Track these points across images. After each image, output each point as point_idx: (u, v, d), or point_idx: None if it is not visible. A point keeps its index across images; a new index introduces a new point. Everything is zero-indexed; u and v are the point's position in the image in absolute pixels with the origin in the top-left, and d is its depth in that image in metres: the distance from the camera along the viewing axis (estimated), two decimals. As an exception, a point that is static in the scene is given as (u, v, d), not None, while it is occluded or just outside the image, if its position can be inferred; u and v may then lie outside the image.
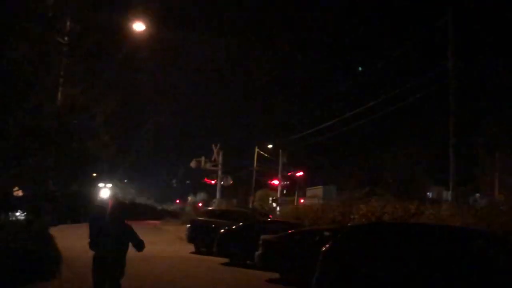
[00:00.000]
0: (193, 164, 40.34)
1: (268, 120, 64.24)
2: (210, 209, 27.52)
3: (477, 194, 36.78)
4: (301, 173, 47.78)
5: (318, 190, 31.78)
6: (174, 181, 71.17)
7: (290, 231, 16.55)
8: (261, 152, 55.22)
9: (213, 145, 41.05)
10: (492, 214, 14.90)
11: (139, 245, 8.15)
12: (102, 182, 56.68)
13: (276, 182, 49.76)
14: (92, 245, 8.09)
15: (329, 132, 40.07)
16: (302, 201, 43.12)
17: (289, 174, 50.43)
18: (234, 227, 20.14)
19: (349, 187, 26.88)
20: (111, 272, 7.93)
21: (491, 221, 14.62)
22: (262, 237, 16.25)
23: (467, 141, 41.88)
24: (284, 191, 51.35)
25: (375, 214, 18.95)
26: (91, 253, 8.11)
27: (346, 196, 22.95)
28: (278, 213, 36.28)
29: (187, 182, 78.81)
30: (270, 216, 26.47)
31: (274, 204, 50.04)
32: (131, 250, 8.23)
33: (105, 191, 57.66)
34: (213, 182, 44.41)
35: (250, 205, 49.13)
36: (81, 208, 36.20)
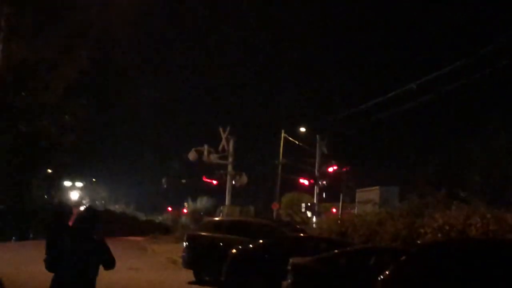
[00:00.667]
0: (191, 155, 40.27)
1: (299, 95, 64.20)
2: (216, 220, 27.59)
3: None
4: (347, 169, 47.56)
5: (373, 193, 31.75)
6: (164, 180, 71.27)
7: (332, 252, 16.58)
8: (290, 138, 55.24)
9: (221, 129, 40.90)
10: None
11: (108, 263, 8.53)
12: (69, 180, 57.44)
13: (310, 181, 49.69)
14: (49, 266, 8.32)
15: (387, 109, 40.13)
16: (334, 210, 43.21)
17: (329, 170, 50.27)
18: (251, 246, 20.18)
19: (417, 189, 26.79)
20: None
21: None
22: (292, 260, 16.30)
23: None
24: (323, 195, 51.28)
25: (455, 227, 18.93)
26: (42, 278, 8.37)
27: (414, 202, 22.89)
28: (314, 225, 36.35)
29: (183, 181, 79.01)
30: (304, 231, 26.51)
31: (309, 213, 49.99)
32: (105, 276, 8.47)
33: (74, 193, 58.39)
34: (214, 182, 44.35)
35: (274, 215, 49.27)
36: (30, 219, 36.69)
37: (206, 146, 40.16)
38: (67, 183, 57.83)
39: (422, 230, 20.18)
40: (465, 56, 27.23)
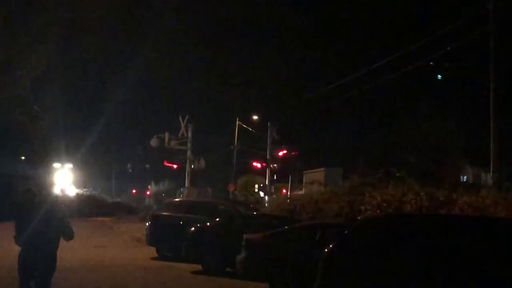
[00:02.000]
0: (153, 142, 40.01)
1: (252, 86, 63.93)
2: (176, 201, 27.40)
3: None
4: (296, 152, 47.84)
5: (319, 174, 31.80)
6: (129, 165, 70.77)
7: (282, 228, 16.56)
8: (244, 126, 55.22)
9: (180, 117, 40.75)
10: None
11: (67, 235, 9.16)
12: (58, 162, 56.70)
13: (263, 164, 49.80)
14: (18, 240, 8.92)
15: (332, 98, 40.32)
16: (284, 190, 43.31)
17: (280, 154, 50.49)
18: (208, 224, 20.10)
19: (358, 169, 26.92)
20: (39, 267, 8.76)
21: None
22: (246, 236, 16.25)
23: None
24: (275, 176, 51.44)
25: (392, 204, 19.07)
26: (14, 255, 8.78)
27: (355, 182, 22.94)
28: (266, 205, 36.34)
29: (147, 166, 78.57)
30: (256, 209, 26.46)
31: (262, 194, 50.10)
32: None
33: (63, 173, 57.38)
34: (175, 166, 44.27)
35: (231, 195, 49.20)
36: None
37: (167, 133, 39.94)
38: (57, 165, 57.34)
39: (362, 207, 20.29)
40: (401, 48, 27.34)
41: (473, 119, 43.06)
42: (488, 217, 14.09)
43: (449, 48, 25.60)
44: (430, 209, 18.15)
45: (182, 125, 40.40)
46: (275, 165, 50.85)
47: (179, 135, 40.52)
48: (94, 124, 58.01)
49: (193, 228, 20.07)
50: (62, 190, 54.32)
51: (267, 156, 49.58)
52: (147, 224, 24.00)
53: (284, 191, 42.67)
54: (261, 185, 51.65)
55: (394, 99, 53.26)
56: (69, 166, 58.74)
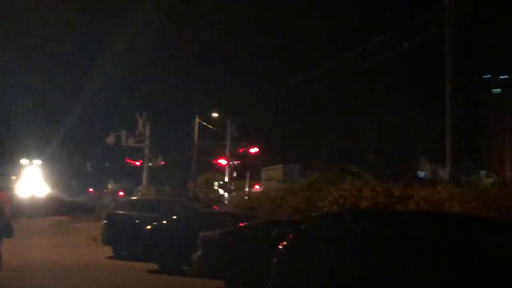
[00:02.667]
0: (110, 140, 39.63)
1: (213, 82, 63.87)
2: (132, 199, 27.16)
3: (483, 171, 37.51)
4: (255, 150, 47.73)
5: (277, 171, 31.85)
6: (88, 163, 69.98)
7: (239, 225, 16.48)
8: (204, 123, 54.97)
9: (138, 115, 40.39)
10: (501, 197, 15.09)
11: (7, 233, 9.25)
12: (26, 158, 55.58)
13: (223, 162, 49.60)
14: None
15: (291, 93, 40.29)
16: (257, 186, 43.14)
17: (240, 151, 50.33)
18: (164, 222, 19.91)
19: (317, 166, 26.96)
20: None
21: (499, 206, 14.82)
22: (202, 234, 16.15)
23: (472, 103, 42.68)
24: (234, 174, 51.30)
25: (349, 200, 19.03)
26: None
27: (313, 178, 22.94)
28: (226, 202, 36.24)
29: (106, 164, 77.77)
30: (215, 207, 26.35)
31: (221, 191, 49.93)
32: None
33: (31, 169, 56.01)
34: (137, 163, 43.86)
35: (190, 193, 48.96)
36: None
37: (124, 131, 39.61)
38: (24, 161, 56.36)
39: (320, 204, 20.20)
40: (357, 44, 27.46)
41: (429, 115, 43.44)
42: (442, 212, 14.10)
43: (406, 44, 25.68)
44: (386, 204, 18.09)
45: (140, 122, 40.08)
46: (236, 162, 50.72)
47: (137, 133, 40.20)
48: (61, 122, 57.44)
49: (149, 226, 19.88)
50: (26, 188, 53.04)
51: (227, 153, 49.37)
52: (103, 223, 23.73)
53: (258, 187, 42.56)
54: (221, 182, 51.48)
55: (353, 96, 53.54)
56: (37, 162, 57.57)
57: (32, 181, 57.11)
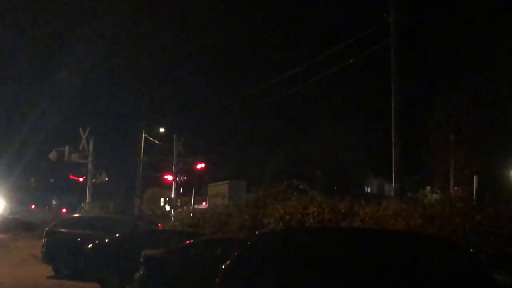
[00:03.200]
0: (53, 155, 38.78)
1: (158, 97, 63.30)
2: (74, 217, 26.57)
3: (428, 187, 37.88)
4: (202, 165, 47.41)
5: (223, 187, 31.53)
6: (32, 179, 68.46)
7: (182, 243, 16.22)
8: (150, 138, 54.39)
9: (81, 130, 39.59)
10: (445, 213, 15.10)
11: None
12: None
13: (170, 177, 49.12)
14: None
15: (239, 110, 40.21)
16: (204, 203, 42.72)
17: (186, 167, 49.91)
18: (107, 240, 19.49)
19: (263, 182, 26.75)
20: None
21: (443, 222, 14.83)
22: (144, 252, 15.83)
23: (416, 120, 43.19)
24: (181, 190, 50.83)
25: (295, 217, 18.87)
26: None
27: (258, 194, 22.71)
28: (172, 219, 35.74)
29: (51, 180, 76.21)
30: (160, 224, 25.92)
31: (168, 207, 49.40)
32: None
33: None
34: (81, 179, 42.96)
35: (137, 209, 48.33)
36: None
37: (67, 147, 38.79)
38: None
39: (266, 220, 20.02)
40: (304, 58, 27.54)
41: (375, 130, 43.81)
42: (383, 229, 14.08)
43: (351, 61, 25.83)
44: (332, 221, 18.01)
45: (83, 138, 39.27)
46: (183, 178, 50.27)
47: (80, 148, 39.40)
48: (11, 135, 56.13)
49: (90, 245, 19.44)
50: None
51: (173, 169, 48.89)
52: (44, 240, 23.13)
53: (204, 204, 42.12)
54: (167, 198, 50.97)
55: (300, 112, 53.77)
56: None
57: None
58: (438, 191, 30.75)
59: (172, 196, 48.87)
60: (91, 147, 39.62)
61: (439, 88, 39.32)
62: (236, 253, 10.67)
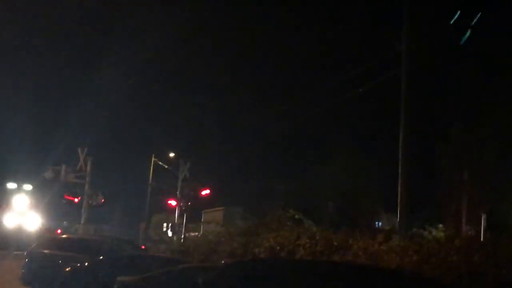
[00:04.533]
0: (48, 174, 38.08)
1: (167, 122, 62.88)
2: (58, 238, 25.84)
3: (440, 225, 36.84)
4: (207, 191, 46.54)
5: (218, 214, 30.69)
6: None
7: (159, 270, 15.41)
8: (160, 163, 53.84)
9: (79, 149, 38.83)
10: (442, 252, 14.21)
11: None
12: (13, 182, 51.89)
13: (173, 202, 48.31)
14: None
15: (246, 133, 39.54)
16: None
17: (192, 192, 49.14)
18: (86, 263, 18.80)
19: (262, 209, 25.96)
20: None
21: (439, 261, 13.94)
22: (118, 279, 15.09)
23: (429, 153, 42.28)
24: (184, 216, 49.97)
25: (286, 247, 18.08)
26: None
27: (252, 222, 21.95)
28: (174, 243, 34.98)
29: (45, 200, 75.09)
30: (143, 247, 25.11)
31: (170, 233, 48.60)
32: None
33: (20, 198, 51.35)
34: (76, 200, 42.01)
35: (141, 234, 47.76)
36: None
37: (63, 166, 38.07)
38: (12, 185, 53.37)
39: (256, 250, 19.26)
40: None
41: (387, 163, 42.83)
42: (341, 263, 13.44)
43: (361, 90, 25.40)
44: (324, 254, 17.25)
45: (81, 158, 38.51)
46: (187, 203, 49.50)
47: (77, 168, 38.66)
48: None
49: (68, 268, 18.75)
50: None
51: (178, 194, 48.08)
52: (25, 261, 22.44)
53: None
54: (170, 224, 50.17)
55: (311, 142, 53.06)
56: (28, 188, 54.26)
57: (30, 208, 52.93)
58: (444, 229, 29.73)
59: (176, 221, 48.02)
60: (88, 167, 38.85)
61: (454, 121, 38.52)
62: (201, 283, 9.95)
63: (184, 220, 39.27)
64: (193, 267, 16.07)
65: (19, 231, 45.22)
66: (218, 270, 10.65)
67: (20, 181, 54.24)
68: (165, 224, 52.22)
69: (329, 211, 47.14)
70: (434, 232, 24.11)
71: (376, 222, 54.89)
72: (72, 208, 44.76)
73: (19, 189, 54.13)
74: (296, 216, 21.93)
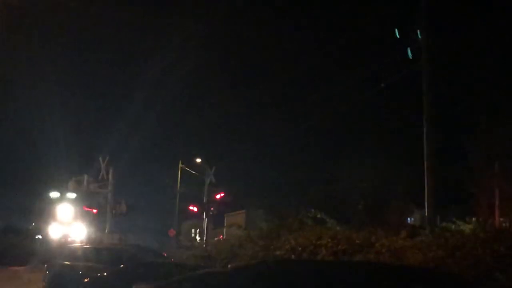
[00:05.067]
0: (71, 185, 38.11)
1: (192, 128, 62.75)
2: (78, 248, 25.55)
3: (473, 218, 36.16)
4: (221, 194, 46.18)
5: (239, 217, 30.32)
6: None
7: (177, 277, 15.04)
8: (187, 168, 53.74)
9: (100, 159, 38.72)
10: (467, 245, 13.74)
11: None
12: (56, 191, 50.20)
13: (195, 208, 48.08)
14: None
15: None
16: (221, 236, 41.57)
17: (217, 197, 48.89)
18: (105, 273, 18.55)
19: (278, 211, 25.55)
20: None
21: (464, 254, 13.47)
22: (135, 286, 14.69)
23: (460, 147, 41.58)
24: (212, 221, 49.77)
25: (307, 248, 17.71)
26: None
27: (273, 224, 21.61)
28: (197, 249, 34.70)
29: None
30: (165, 254, 24.82)
31: (198, 238, 48.48)
32: None
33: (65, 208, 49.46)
34: (94, 211, 41.84)
35: (172, 241, 47.71)
36: None
37: (86, 176, 37.99)
38: (54, 194, 50.10)
39: (278, 252, 18.90)
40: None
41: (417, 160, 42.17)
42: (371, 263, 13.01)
43: (383, 85, 25.37)
44: (347, 253, 16.88)
45: (103, 167, 38.35)
46: (212, 208, 49.28)
47: (99, 177, 38.56)
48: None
49: (87, 279, 18.43)
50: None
51: (205, 199, 47.87)
52: (46, 273, 22.23)
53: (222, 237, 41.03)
54: (198, 230, 50.12)
55: (334, 139, 52.32)
56: (71, 196, 53.04)
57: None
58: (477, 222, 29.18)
59: (205, 226, 47.84)
60: (110, 177, 38.69)
61: (482, 113, 37.81)
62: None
63: (205, 225, 38.88)
64: (209, 272, 15.72)
65: (64, 242, 43.68)
66: (223, 275, 10.32)
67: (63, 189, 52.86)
68: (193, 230, 52.07)
69: (359, 211, 46.58)
70: (461, 226, 23.65)
71: (408, 219, 54.21)
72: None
73: (62, 198, 52.64)
74: (318, 216, 21.59)
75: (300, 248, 18.04)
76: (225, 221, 35.46)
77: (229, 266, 15.42)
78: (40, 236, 49.93)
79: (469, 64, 34.97)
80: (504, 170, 35.44)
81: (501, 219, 35.19)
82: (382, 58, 25.01)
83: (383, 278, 8.09)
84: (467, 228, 22.61)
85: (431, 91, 22.31)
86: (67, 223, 49.49)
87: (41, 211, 48.86)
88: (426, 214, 22.71)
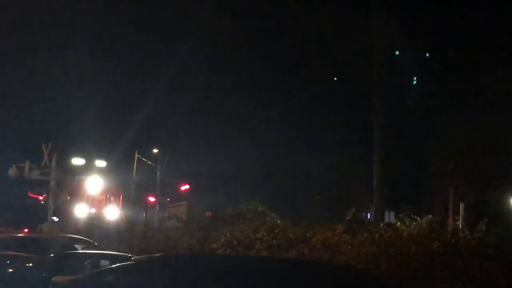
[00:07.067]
0: (12, 172, 37.02)
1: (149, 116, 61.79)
2: (4, 237, 24.80)
3: (430, 216, 36.25)
4: (186, 186, 45.87)
5: (181, 208, 29.79)
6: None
7: (99, 269, 14.56)
8: (143, 159, 53.19)
9: (43, 145, 37.63)
10: (399, 243, 13.50)
11: None
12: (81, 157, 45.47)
13: (152, 199, 47.71)
14: None
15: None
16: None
17: (171, 188, 48.69)
18: (31, 264, 18.04)
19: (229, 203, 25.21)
20: None
21: (396, 252, 13.20)
22: (54, 278, 14.08)
23: (415, 144, 41.66)
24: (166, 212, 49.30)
25: (242, 242, 17.35)
26: None
27: (211, 217, 21.25)
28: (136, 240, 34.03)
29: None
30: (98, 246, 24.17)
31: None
32: None
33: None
34: (40, 197, 41.05)
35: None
36: None
37: (27, 162, 37.01)
38: (78, 161, 45.80)
39: (214, 245, 18.51)
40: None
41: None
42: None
43: (335, 78, 25.60)
44: (282, 247, 16.54)
45: (46, 154, 37.30)
46: (168, 199, 49.09)
47: (42, 164, 37.55)
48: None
49: (11, 269, 17.86)
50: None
51: (157, 190, 47.50)
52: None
53: None
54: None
55: (297, 131, 52.08)
56: (101, 164, 49.42)
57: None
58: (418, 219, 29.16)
59: (155, 218, 47.32)
60: (53, 164, 37.66)
61: (439, 111, 38.03)
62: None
63: (146, 214, 38.33)
64: (128, 265, 15.20)
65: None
66: (128, 268, 9.93)
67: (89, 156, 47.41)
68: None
69: (317, 207, 46.59)
70: (407, 223, 23.51)
71: (366, 214, 54.29)
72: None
73: (88, 166, 47.31)
74: (259, 209, 21.31)
75: (235, 242, 17.67)
76: (166, 212, 34.82)
77: (132, 258, 14.93)
78: None
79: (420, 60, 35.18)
80: (458, 169, 35.68)
81: (456, 217, 35.30)
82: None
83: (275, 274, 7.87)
84: (412, 225, 22.50)
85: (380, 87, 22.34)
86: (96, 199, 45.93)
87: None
88: (373, 210, 22.75)
